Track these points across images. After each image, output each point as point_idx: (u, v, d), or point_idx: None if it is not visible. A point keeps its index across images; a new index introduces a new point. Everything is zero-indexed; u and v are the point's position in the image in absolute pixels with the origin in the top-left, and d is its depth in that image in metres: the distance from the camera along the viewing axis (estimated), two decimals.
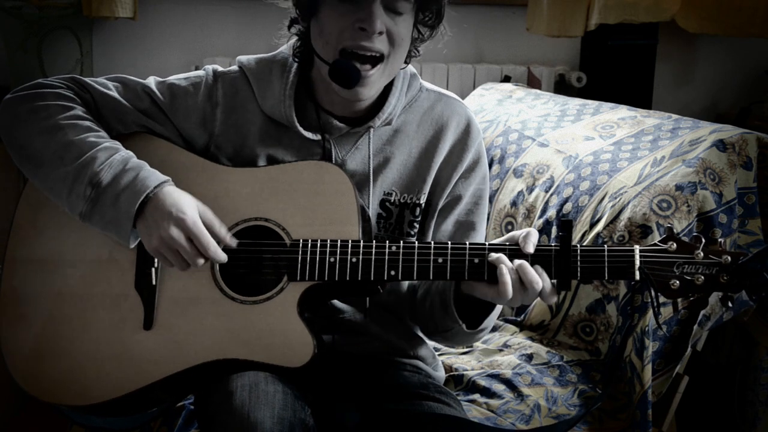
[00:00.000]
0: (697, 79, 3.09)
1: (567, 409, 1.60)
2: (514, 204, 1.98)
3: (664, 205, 1.64)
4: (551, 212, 1.86)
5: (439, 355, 1.75)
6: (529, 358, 1.73)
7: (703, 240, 1.21)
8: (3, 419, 2.26)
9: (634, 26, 2.66)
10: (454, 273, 1.25)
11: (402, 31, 1.30)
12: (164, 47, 2.76)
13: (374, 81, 1.31)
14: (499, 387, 1.63)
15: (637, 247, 1.22)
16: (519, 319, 1.90)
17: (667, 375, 1.67)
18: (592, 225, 1.75)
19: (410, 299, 1.50)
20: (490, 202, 2.06)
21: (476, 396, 1.62)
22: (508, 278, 1.20)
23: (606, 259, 1.22)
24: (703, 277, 1.19)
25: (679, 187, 1.65)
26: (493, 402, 1.59)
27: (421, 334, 1.53)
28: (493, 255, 1.23)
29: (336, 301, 1.42)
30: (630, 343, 1.64)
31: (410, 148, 1.43)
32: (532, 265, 1.22)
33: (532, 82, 2.82)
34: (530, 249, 1.23)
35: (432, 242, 1.27)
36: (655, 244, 1.22)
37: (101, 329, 1.31)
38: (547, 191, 1.91)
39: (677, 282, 1.20)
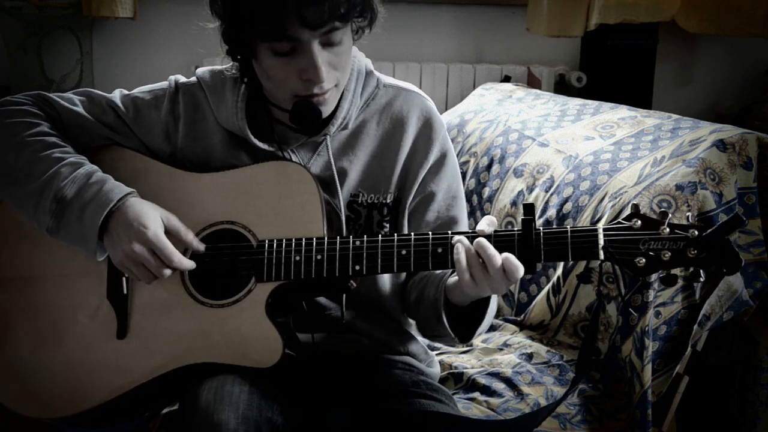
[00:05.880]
0: (697, 79, 3.09)
1: (567, 408, 1.60)
2: (514, 204, 1.98)
3: (664, 205, 1.64)
4: (551, 212, 1.86)
5: (439, 353, 1.75)
6: (529, 357, 1.73)
7: (669, 215, 1.19)
8: (3, 419, 2.26)
9: (634, 26, 2.66)
10: (418, 264, 1.24)
11: (344, 57, 1.29)
12: (164, 47, 2.76)
13: (332, 99, 1.32)
14: (499, 386, 1.63)
15: (600, 226, 1.20)
16: (519, 318, 1.90)
17: (667, 375, 1.67)
18: (593, 225, 1.75)
19: (400, 299, 1.49)
20: (490, 202, 2.06)
21: (476, 394, 1.62)
22: (462, 255, 1.19)
23: (569, 240, 1.20)
24: (669, 253, 1.17)
25: (679, 187, 1.65)
26: (493, 400, 1.59)
27: (412, 331, 1.52)
28: (455, 238, 1.22)
29: (322, 299, 1.42)
30: (630, 342, 1.64)
31: (371, 148, 1.42)
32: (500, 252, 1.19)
33: (532, 82, 2.82)
34: (483, 226, 1.22)
35: (395, 235, 1.26)
36: (619, 222, 1.20)
37: (76, 341, 1.32)
38: (547, 191, 1.91)
39: (643, 259, 1.18)
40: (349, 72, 1.34)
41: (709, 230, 1.16)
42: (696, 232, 1.17)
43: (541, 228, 1.21)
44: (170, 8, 2.74)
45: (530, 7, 2.76)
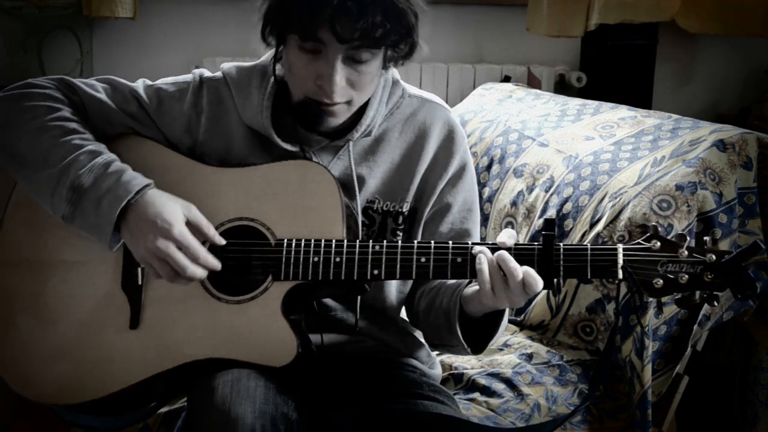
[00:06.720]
0: (697, 79, 3.09)
1: (567, 408, 1.60)
2: (514, 204, 1.98)
3: (664, 205, 1.64)
4: (551, 212, 1.86)
5: (440, 354, 1.75)
6: (529, 357, 1.73)
7: (688, 238, 1.20)
8: (3, 419, 2.26)
9: (634, 26, 2.66)
10: (437, 272, 1.24)
11: (365, 78, 1.28)
12: (164, 47, 2.76)
13: (341, 114, 1.32)
14: (499, 386, 1.63)
15: (620, 246, 1.21)
16: (519, 318, 1.90)
17: (667, 375, 1.67)
18: (592, 225, 1.75)
19: (408, 308, 1.50)
20: (490, 202, 2.06)
21: (476, 395, 1.62)
22: (485, 266, 1.19)
23: (589, 258, 1.20)
24: (687, 276, 1.18)
25: (679, 187, 1.65)
26: (493, 401, 1.59)
27: (416, 334, 1.53)
28: (477, 248, 1.23)
29: (329, 300, 1.42)
30: (630, 342, 1.64)
31: (392, 156, 1.42)
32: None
33: (532, 82, 2.82)
34: (504, 239, 1.22)
35: (415, 242, 1.26)
36: (638, 243, 1.21)
37: (88, 329, 1.32)
38: (547, 191, 1.91)
39: (661, 281, 1.19)
40: (367, 94, 1.33)
41: (727, 256, 1.17)
42: (714, 257, 1.18)
43: (561, 244, 1.21)
44: (170, 8, 2.74)
45: (530, 7, 2.76)
